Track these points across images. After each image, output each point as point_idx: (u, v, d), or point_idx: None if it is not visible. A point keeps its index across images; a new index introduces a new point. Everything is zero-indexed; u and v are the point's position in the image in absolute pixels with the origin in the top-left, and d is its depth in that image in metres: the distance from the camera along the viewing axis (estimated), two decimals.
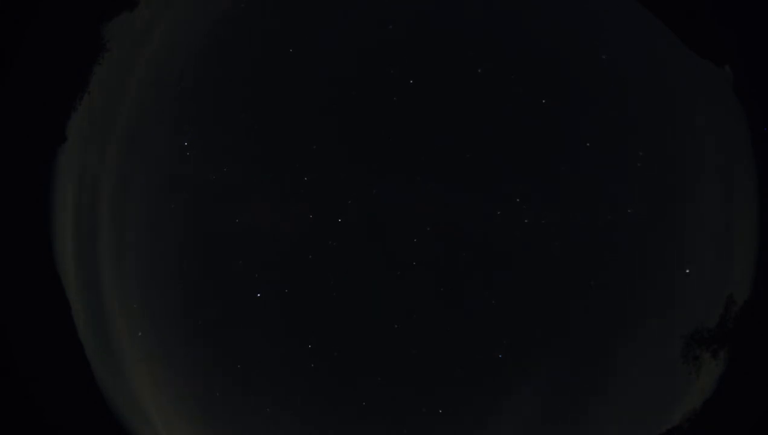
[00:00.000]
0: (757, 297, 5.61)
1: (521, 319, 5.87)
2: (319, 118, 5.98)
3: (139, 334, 6.12)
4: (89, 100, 6.07)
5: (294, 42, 6.00)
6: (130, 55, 6.20)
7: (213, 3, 6.21)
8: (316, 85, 5.98)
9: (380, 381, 5.95)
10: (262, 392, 6.04)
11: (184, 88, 6.13)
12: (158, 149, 6.14)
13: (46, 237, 5.96)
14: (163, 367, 6.13)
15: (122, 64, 6.17)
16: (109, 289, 6.17)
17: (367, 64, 5.92)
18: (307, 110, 6.00)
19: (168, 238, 6.11)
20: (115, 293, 6.17)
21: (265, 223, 6.02)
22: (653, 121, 5.84)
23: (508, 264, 5.88)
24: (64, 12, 5.77)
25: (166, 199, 6.10)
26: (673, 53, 5.85)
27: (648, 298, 5.81)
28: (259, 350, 6.04)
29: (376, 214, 5.93)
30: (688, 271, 5.76)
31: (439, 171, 5.88)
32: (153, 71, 6.23)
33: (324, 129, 5.98)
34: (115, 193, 6.21)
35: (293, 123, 6.00)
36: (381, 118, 5.90)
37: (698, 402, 5.64)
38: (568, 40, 5.87)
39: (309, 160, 5.95)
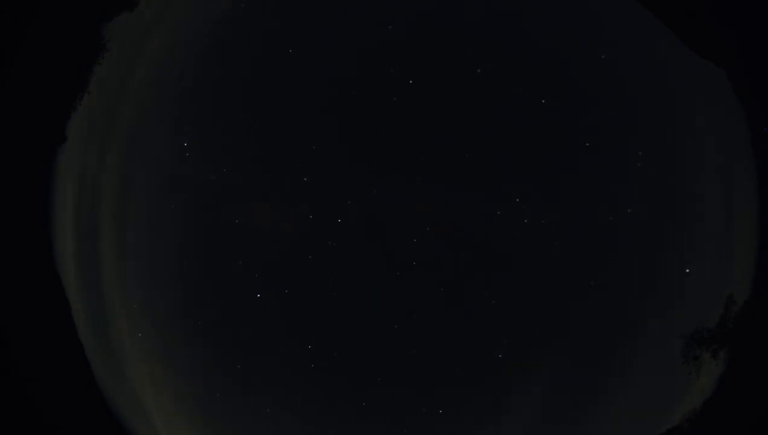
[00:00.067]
0: (757, 297, 5.60)
1: (521, 319, 5.88)
2: (319, 118, 5.98)
3: (139, 334, 6.13)
4: (89, 100, 6.07)
5: (294, 42, 6.00)
6: (130, 55, 6.21)
7: (213, 3, 6.21)
8: (316, 85, 5.99)
9: (380, 381, 5.95)
10: (262, 392, 6.04)
11: (184, 88, 6.13)
12: (158, 149, 6.15)
13: (46, 237, 5.95)
14: (163, 367, 6.13)
15: (122, 64, 6.18)
16: (109, 289, 6.17)
17: (367, 64, 5.92)
18: (307, 110, 6.00)
19: (168, 238, 6.11)
20: (115, 293, 6.17)
21: (265, 223, 6.02)
22: (653, 121, 5.84)
23: (508, 264, 5.88)
24: (64, 12, 5.77)
25: (166, 199, 6.10)
26: (673, 53, 5.85)
27: (648, 298, 5.81)
28: (259, 350, 6.05)
29: (376, 214, 5.94)
30: (688, 271, 5.76)
31: (439, 171, 5.89)
32: (153, 71, 6.23)
33: (324, 129, 5.98)
34: (115, 193, 6.21)
35: (293, 123, 6.01)
36: (381, 118, 5.90)
37: (698, 402, 5.63)
38: (568, 40, 5.87)
39: (309, 160, 5.95)
